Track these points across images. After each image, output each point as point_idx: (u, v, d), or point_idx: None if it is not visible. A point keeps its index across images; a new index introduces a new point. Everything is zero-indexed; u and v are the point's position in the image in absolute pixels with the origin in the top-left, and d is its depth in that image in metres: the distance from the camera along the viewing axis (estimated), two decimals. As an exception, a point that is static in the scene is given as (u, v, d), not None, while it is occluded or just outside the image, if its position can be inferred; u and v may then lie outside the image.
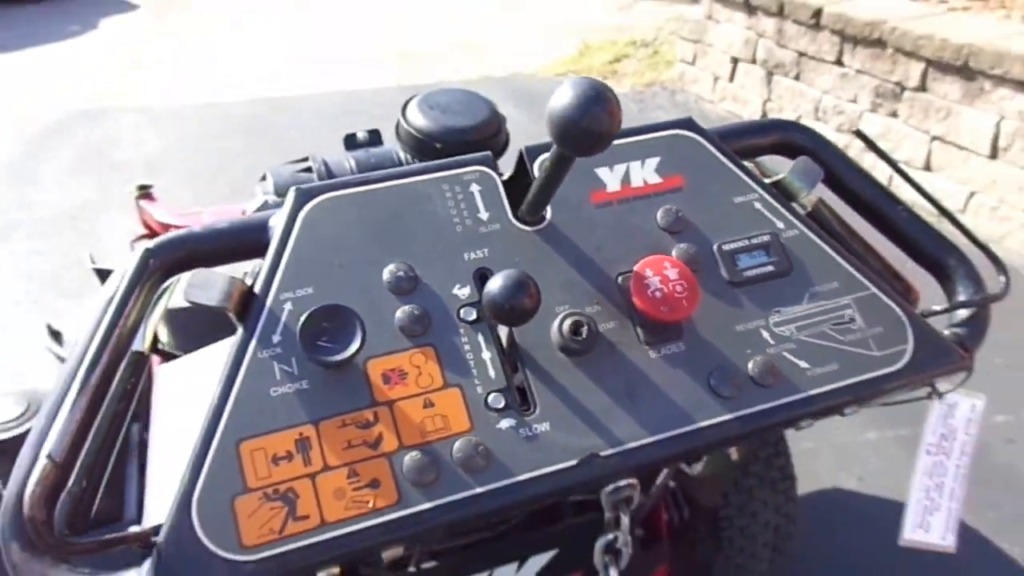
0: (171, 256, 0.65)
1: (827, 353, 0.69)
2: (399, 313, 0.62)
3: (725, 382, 0.65)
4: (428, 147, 1.05)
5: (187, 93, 5.58)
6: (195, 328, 1.44)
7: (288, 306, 0.61)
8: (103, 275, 1.54)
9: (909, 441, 2.22)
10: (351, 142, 1.24)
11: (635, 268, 0.67)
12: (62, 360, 1.33)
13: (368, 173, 0.69)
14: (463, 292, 0.65)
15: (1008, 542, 1.91)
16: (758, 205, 0.74)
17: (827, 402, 0.68)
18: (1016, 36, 3.06)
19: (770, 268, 0.71)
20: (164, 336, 1.47)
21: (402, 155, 1.17)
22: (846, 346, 0.70)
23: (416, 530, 0.57)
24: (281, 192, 1.13)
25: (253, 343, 0.59)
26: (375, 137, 1.24)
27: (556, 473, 0.60)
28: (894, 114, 3.47)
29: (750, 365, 0.67)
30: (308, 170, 1.23)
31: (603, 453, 0.61)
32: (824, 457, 2.14)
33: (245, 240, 0.67)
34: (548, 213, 0.69)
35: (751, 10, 4.17)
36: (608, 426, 0.62)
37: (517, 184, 0.70)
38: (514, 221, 0.69)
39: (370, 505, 0.56)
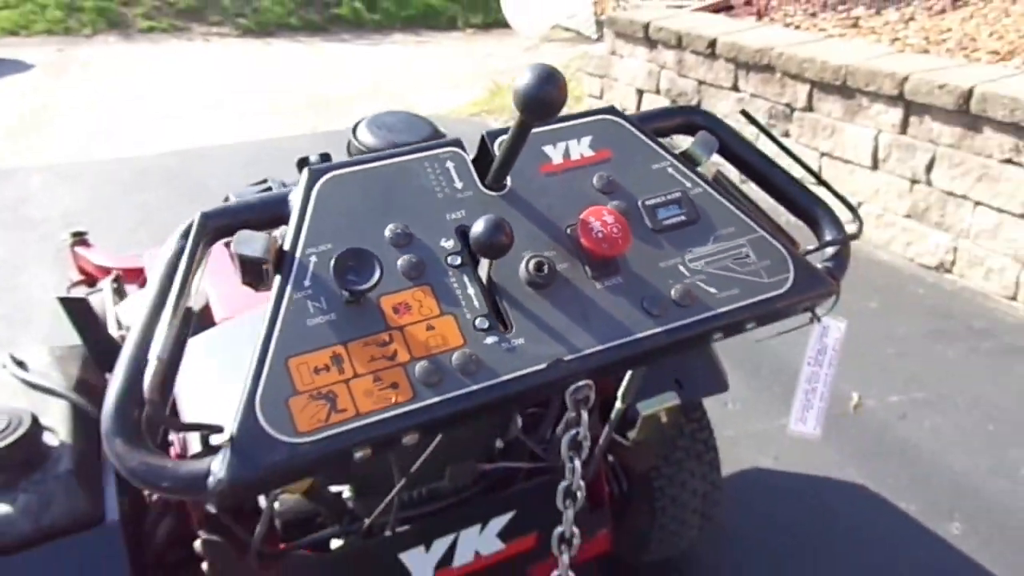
0: (218, 222, 0.81)
1: (729, 281, 0.86)
2: (400, 261, 0.78)
3: (655, 304, 0.82)
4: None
5: (94, 150, 5.54)
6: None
7: (313, 258, 0.77)
8: (69, 304, 1.65)
9: (817, 423, 2.42)
10: (304, 164, 1.38)
11: (580, 216, 0.83)
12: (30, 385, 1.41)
13: (364, 155, 0.85)
14: (448, 244, 0.81)
15: (905, 502, 2.12)
16: (670, 170, 0.93)
17: (732, 319, 0.85)
18: (885, 56, 3.40)
19: (682, 218, 0.89)
20: None
21: None
22: (743, 275, 0.87)
23: (427, 419, 0.72)
24: None
25: (289, 287, 0.75)
26: (327, 158, 1.38)
27: (531, 374, 0.76)
28: (787, 134, 3.78)
29: (672, 292, 0.83)
30: (268, 190, 1.37)
31: (566, 358, 0.78)
32: (744, 443, 2.32)
33: (271, 211, 0.83)
34: (508, 182, 0.85)
35: (652, 44, 4.46)
36: (568, 338, 0.78)
37: (480, 162, 0.87)
38: (483, 188, 0.85)
39: (392, 400, 0.72)
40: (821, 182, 1.03)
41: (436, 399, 0.73)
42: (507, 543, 1.40)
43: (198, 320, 1.25)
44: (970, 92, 2.89)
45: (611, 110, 0.96)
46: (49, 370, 1.46)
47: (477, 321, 0.78)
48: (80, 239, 2.53)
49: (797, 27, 4.16)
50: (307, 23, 10.33)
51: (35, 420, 1.30)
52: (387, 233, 0.80)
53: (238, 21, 9.80)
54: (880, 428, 2.40)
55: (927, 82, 3.03)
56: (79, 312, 1.66)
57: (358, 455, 0.71)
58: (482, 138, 0.89)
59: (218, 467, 0.67)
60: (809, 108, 3.62)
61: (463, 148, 0.89)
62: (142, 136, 5.76)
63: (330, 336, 0.73)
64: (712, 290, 0.86)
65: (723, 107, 4.11)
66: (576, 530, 0.87)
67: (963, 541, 2.00)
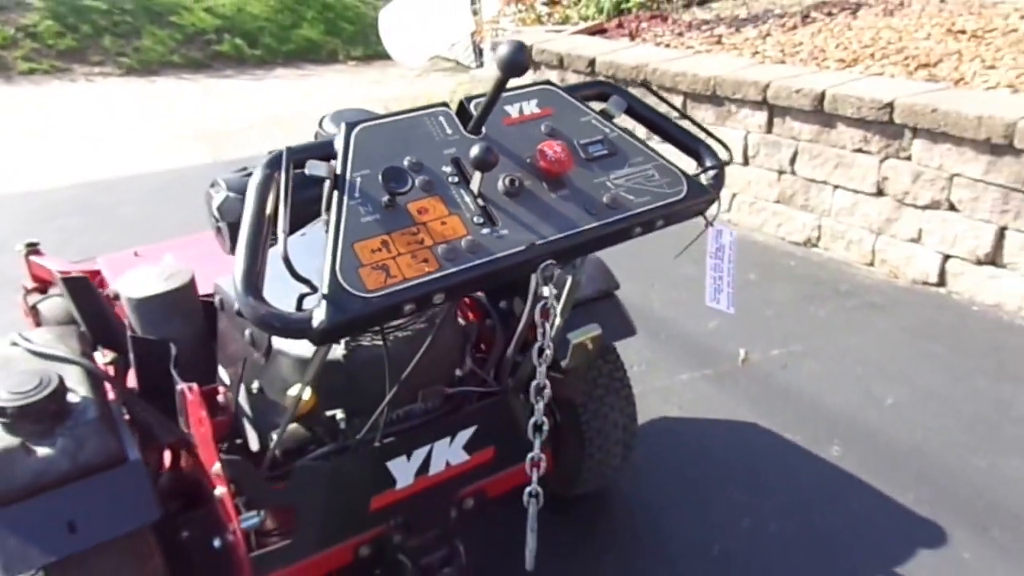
0: (294, 156, 1.08)
1: (643, 191, 1.19)
2: (417, 180, 1.10)
3: (592, 207, 1.15)
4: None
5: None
6: (155, 315, 1.73)
7: (358, 179, 1.07)
8: (71, 283, 1.82)
9: (711, 379, 2.74)
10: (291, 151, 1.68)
11: (537, 147, 1.16)
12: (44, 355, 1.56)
13: (381, 113, 1.15)
14: (447, 169, 1.14)
15: (791, 434, 2.45)
16: (594, 121, 1.27)
17: (646, 217, 1.18)
18: (749, 68, 3.84)
19: (606, 152, 1.23)
20: (134, 324, 1.73)
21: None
22: (652, 188, 1.20)
23: (449, 283, 1.03)
24: (235, 189, 1.48)
25: (346, 197, 1.05)
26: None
27: (514, 254, 1.07)
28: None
29: (604, 199, 1.16)
30: (249, 174, 1.58)
31: (537, 242, 1.09)
32: (651, 397, 2.60)
33: (324, 151, 1.11)
34: (483, 130, 1.17)
35: (536, 65, 4.80)
36: (537, 230, 1.10)
37: (461, 117, 1.18)
38: (466, 133, 1.17)
39: (426, 270, 1.02)
40: (701, 128, 1.38)
41: (454, 269, 1.04)
42: (471, 455, 1.62)
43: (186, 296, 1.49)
44: (823, 94, 3.34)
45: (548, 82, 1.31)
46: (55, 344, 1.61)
47: (474, 219, 1.09)
48: (34, 249, 2.63)
49: (667, 45, 4.59)
50: (190, 61, 10.27)
51: (61, 378, 1.45)
52: (405, 163, 1.10)
53: (120, 60, 9.66)
54: (765, 377, 2.74)
55: (786, 88, 3.47)
56: (79, 291, 1.79)
57: (407, 308, 1.00)
58: (460, 102, 1.21)
59: (319, 314, 0.95)
60: (683, 115, 4.01)
61: (449, 107, 1.20)
62: (44, 171, 5.67)
63: (378, 228, 1.03)
64: (631, 197, 1.19)
65: (608, 119, 4.48)
66: (544, 455, 1.21)
67: (842, 460, 2.34)
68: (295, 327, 0.96)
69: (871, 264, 3.44)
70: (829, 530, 2.09)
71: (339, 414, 1.48)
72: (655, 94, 1.43)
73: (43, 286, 2.66)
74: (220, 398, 1.54)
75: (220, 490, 1.45)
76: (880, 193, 3.32)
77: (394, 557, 1.66)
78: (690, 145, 1.36)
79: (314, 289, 0.97)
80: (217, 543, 1.63)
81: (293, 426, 1.48)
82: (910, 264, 3.30)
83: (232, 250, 1.67)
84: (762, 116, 3.65)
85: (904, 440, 2.40)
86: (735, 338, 2.92)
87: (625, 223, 1.16)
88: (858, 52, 3.89)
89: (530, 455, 1.28)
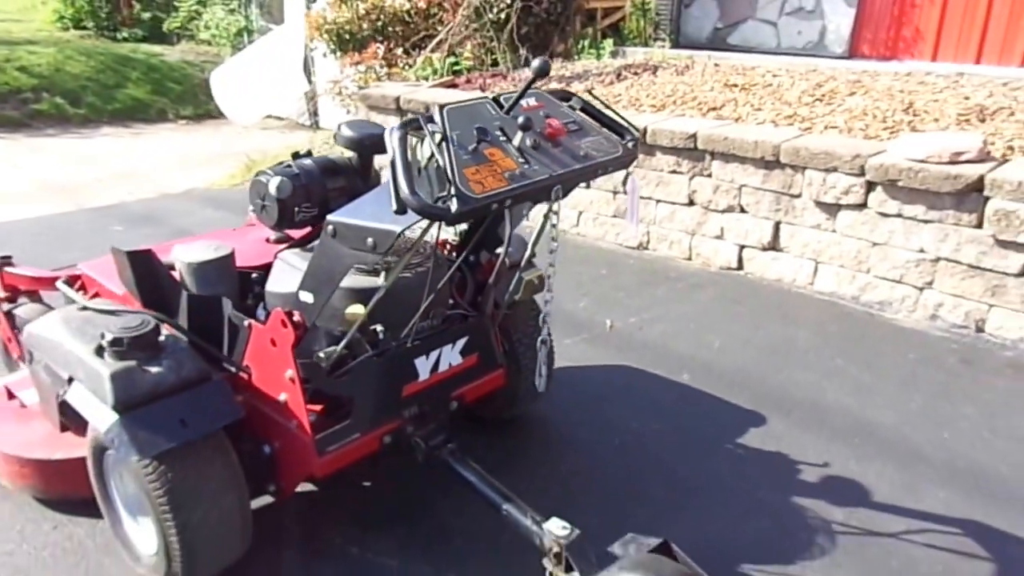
0: (413, 124, 1.65)
1: (599, 151, 1.91)
2: (488, 138, 1.70)
3: (576, 158, 1.84)
4: (359, 144, 2.14)
5: None
6: (209, 276, 2.22)
7: (455, 135, 1.67)
8: (133, 256, 2.28)
9: (588, 341, 3.51)
10: (298, 156, 2.24)
11: (546, 122, 1.82)
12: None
13: (455, 102, 1.76)
14: (498, 133, 1.74)
15: (652, 369, 3.26)
16: (566, 110, 1.97)
17: (603, 165, 1.90)
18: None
19: (577, 128, 1.93)
20: (190, 284, 2.20)
21: (344, 153, 2.23)
22: (604, 149, 1.91)
23: (513, 194, 1.63)
24: (283, 175, 2.16)
25: (453, 145, 1.62)
26: (303, 155, 2.27)
27: (541, 180, 1.72)
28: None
29: (581, 153, 1.85)
30: (289, 167, 2.18)
31: (552, 175, 1.75)
32: (547, 355, 3.33)
33: (426, 120, 1.66)
34: (514, 112, 1.81)
35: (403, 112, 5.50)
36: (550, 168, 1.76)
37: (497, 106, 1.83)
38: (503, 115, 1.80)
39: (503, 185, 1.63)
40: (620, 117, 2.11)
41: (515, 186, 1.67)
42: (464, 359, 2.26)
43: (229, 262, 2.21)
44: (646, 129, 4.29)
45: (537, 90, 1.94)
46: (113, 306, 2.11)
47: (518, 160, 1.73)
48: (7, 261, 2.91)
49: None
50: (6, 119, 9.99)
51: (156, 320, 1.94)
52: (475, 129, 1.72)
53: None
54: (627, 337, 3.55)
55: (614, 122, 4.39)
56: (139, 262, 2.23)
57: (494, 207, 1.63)
58: (494, 97, 1.86)
59: (452, 205, 1.56)
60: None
61: (490, 99, 1.85)
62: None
63: (472, 162, 1.64)
64: (595, 153, 1.90)
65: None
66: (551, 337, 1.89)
67: (692, 383, 3.17)
68: (439, 212, 1.57)
69: (689, 258, 4.40)
70: (690, 426, 2.89)
71: (379, 327, 2.08)
72: (596, 99, 2.14)
73: (13, 295, 2.95)
74: (296, 317, 2.04)
75: (290, 373, 1.99)
76: (691, 203, 4.30)
77: (409, 442, 2.25)
78: (616, 127, 2.07)
79: (450, 195, 1.58)
80: (267, 449, 2.14)
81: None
82: (716, 255, 4.29)
83: (278, 222, 2.23)
84: (598, 148, 4.55)
85: (730, 367, 3.28)
86: (601, 313, 3.73)
87: (592, 168, 1.88)
88: (664, 100, 4.93)
89: (544, 306, 1.99)
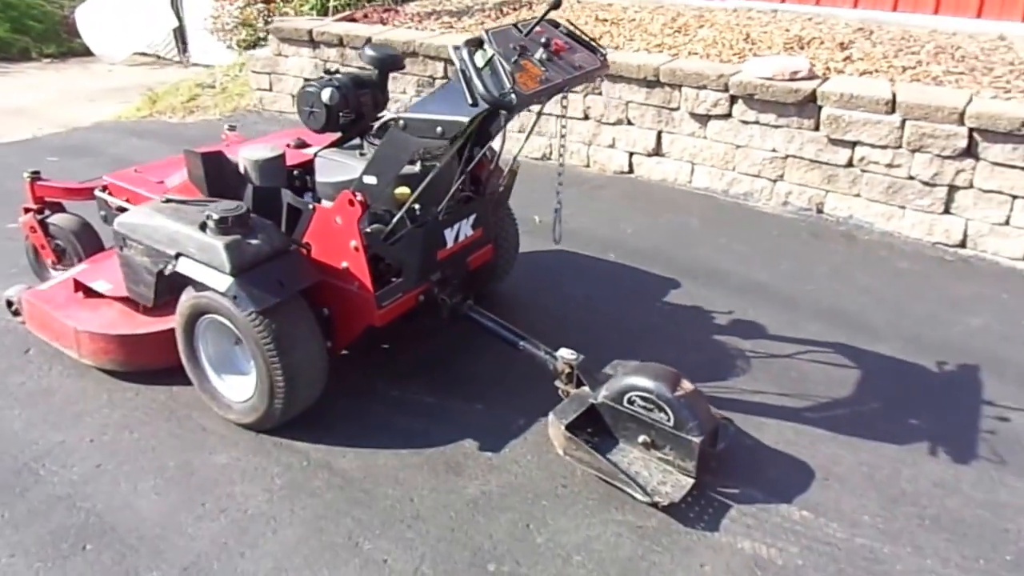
0: (472, 42, 2.03)
1: (587, 62, 2.33)
2: (522, 52, 2.09)
3: (575, 67, 2.28)
4: (381, 62, 2.58)
5: None
6: (270, 170, 2.47)
7: (500, 51, 2.05)
8: (206, 156, 2.57)
9: (525, 234, 3.97)
10: (329, 72, 2.52)
11: (553, 40, 2.24)
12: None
13: (500, 26, 2.11)
14: (526, 49, 2.12)
15: (584, 251, 3.79)
16: (560, 33, 2.37)
17: (591, 73, 2.34)
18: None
19: (569, 46, 2.33)
20: (254, 178, 2.45)
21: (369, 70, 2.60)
22: (589, 60, 2.35)
23: (545, 91, 2.08)
24: (337, 86, 2.45)
25: (502, 59, 2.01)
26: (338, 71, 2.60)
27: (558, 82, 2.16)
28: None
29: (576, 64, 2.28)
30: (330, 80, 2.47)
31: (566, 78, 2.20)
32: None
33: (479, 42, 2.05)
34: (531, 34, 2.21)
35: (315, 45, 5.59)
36: (564, 74, 2.20)
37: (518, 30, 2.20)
38: (525, 36, 2.19)
39: (537, 86, 2.07)
40: (590, 39, 2.53)
41: (546, 86, 2.08)
42: (473, 231, 2.68)
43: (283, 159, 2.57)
44: (547, 54, 4.71)
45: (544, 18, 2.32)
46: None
47: (541, 68, 2.12)
48: (37, 176, 2.99)
49: (420, 29, 5.67)
50: None
51: (247, 205, 2.22)
52: (511, 47, 2.08)
53: None
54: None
55: (523, 51, 4.78)
56: (211, 162, 2.45)
57: (535, 101, 2.04)
58: (515, 24, 2.21)
59: (512, 98, 1.95)
60: (446, 77, 5.17)
61: (518, 25, 2.20)
62: None
63: (516, 70, 2.00)
64: (585, 64, 2.32)
65: (382, 84, 5.45)
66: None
67: (618, 259, 3.74)
68: (507, 104, 1.96)
69: (588, 165, 4.95)
70: (626, 290, 3.48)
71: (417, 206, 2.45)
72: (573, 25, 2.54)
73: (42, 205, 3.05)
74: (359, 196, 2.35)
75: (354, 243, 2.33)
76: (586, 118, 4.82)
77: (436, 300, 2.65)
78: (590, 46, 2.48)
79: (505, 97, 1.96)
80: (325, 312, 2.47)
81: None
82: (611, 161, 4.85)
83: (324, 125, 2.50)
84: (506, 74, 4.94)
85: (643, 246, 3.89)
86: (528, 211, 4.18)
87: (585, 74, 2.29)
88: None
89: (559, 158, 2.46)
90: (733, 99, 4.25)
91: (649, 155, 4.69)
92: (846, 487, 2.40)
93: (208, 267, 2.21)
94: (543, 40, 2.23)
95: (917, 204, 3.98)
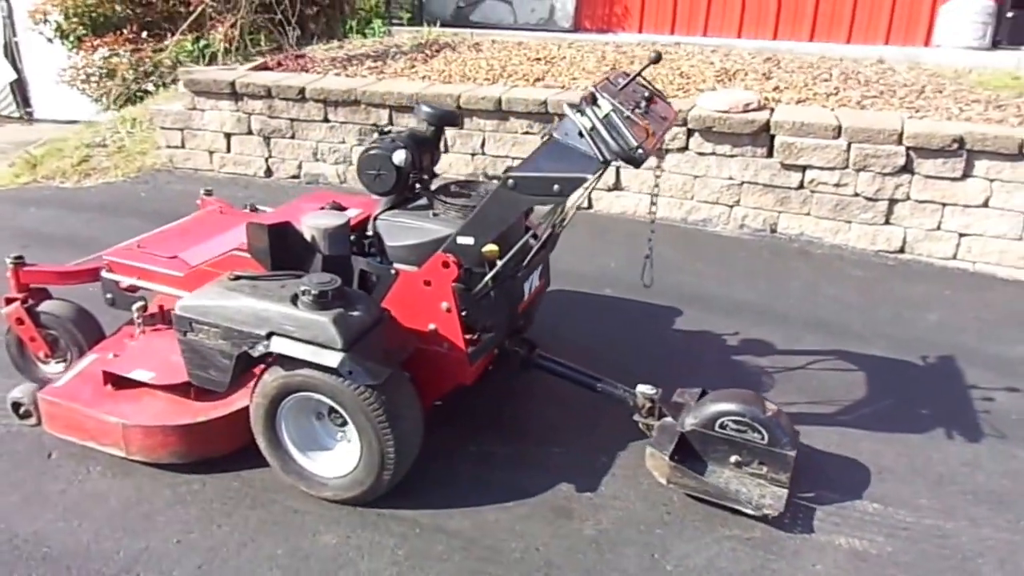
0: (581, 104, 2.19)
1: (667, 113, 2.54)
2: (633, 110, 2.25)
3: (663, 117, 2.47)
4: (439, 119, 2.72)
5: None
6: (339, 237, 2.51)
7: (616, 105, 2.20)
8: (274, 230, 2.56)
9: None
10: (383, 132, 2.61)
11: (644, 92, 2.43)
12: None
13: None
14: (630, 102, 2.29)
15: (585, 297, 4.02)
16: (642, 84, 2.56)
17: (672, 124, 2.58)
18: (436, 85, 5.27)
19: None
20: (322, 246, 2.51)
21: (424, 127, 2.72)
22: (668, 111, 2.57)
23: (656, 144, 2.26)
24: (404, 146, 2.54)
25: (619, 118, 2.18)
26: (384, 132, 2.74)
27: (663, 133, 2.38)
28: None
29: (662, 115, 2.48)
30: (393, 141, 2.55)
31: (663, 129, 2.40)
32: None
33: (593, 100, 2.22)
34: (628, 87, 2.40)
35: (238, 97, 5.50)
36: (661, 125, 2.40)
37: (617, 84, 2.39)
38: (620, 91, 2.36)
39: (652, 138, 2.26)
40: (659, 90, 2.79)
41: (656, 138, 2.26)
42: (539, 281, 2.83)
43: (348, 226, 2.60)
44: (500, 99, 4.93)
45: (620, 72, 2.53)
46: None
47: (646, 121, 2.28)
48: (21, 261, 2.81)
49: (350, 76, 5.73)
50: None
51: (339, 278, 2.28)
52: (619, 101, 2.24)
53: None
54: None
55: (474, 96, 4.99)
56: (277, 234, 2.45)
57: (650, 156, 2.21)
58: (607, 78, 2.39)
59: (641, 152, 2.14)
60: (391, 123, 5.26)
61: (610, 80, 2.37)
62: None
63: (629, 121, 2.16)
64: (666, 115, 2.50)
65: (316, 135, 5.46)
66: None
67: (615, 294, 3.99)
68: (638, 159, 2.13)
69: (545, 203, 5.17)
70: (637, 320, 3.72)
71: (500, 263, 2.58)
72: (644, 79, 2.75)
73: (27, 294, 2.88)
74: (451, 258, 2.43)
75: (446, 304, 2.43)
76: (544, 158, 5.07)
77: (508, 352, 2.77)
78: (661, 94, 2.62)
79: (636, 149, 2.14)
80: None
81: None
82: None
83: (391, 188, 2.58)
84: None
85: (630, 278, 4.10)
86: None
87: (670, 124, 2.47)
88: (492, 74, 5.60)
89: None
90: (690, 132, 4.66)
91: (609, 190, 5.01)
92: (896, 477, 2.75)
93: (312, 344, 2.22)
94: (637, 93, 2.37)
95: (862, 218, 4.53)
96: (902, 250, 4.55)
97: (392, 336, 2.38)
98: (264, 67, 6.05)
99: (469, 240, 2.43)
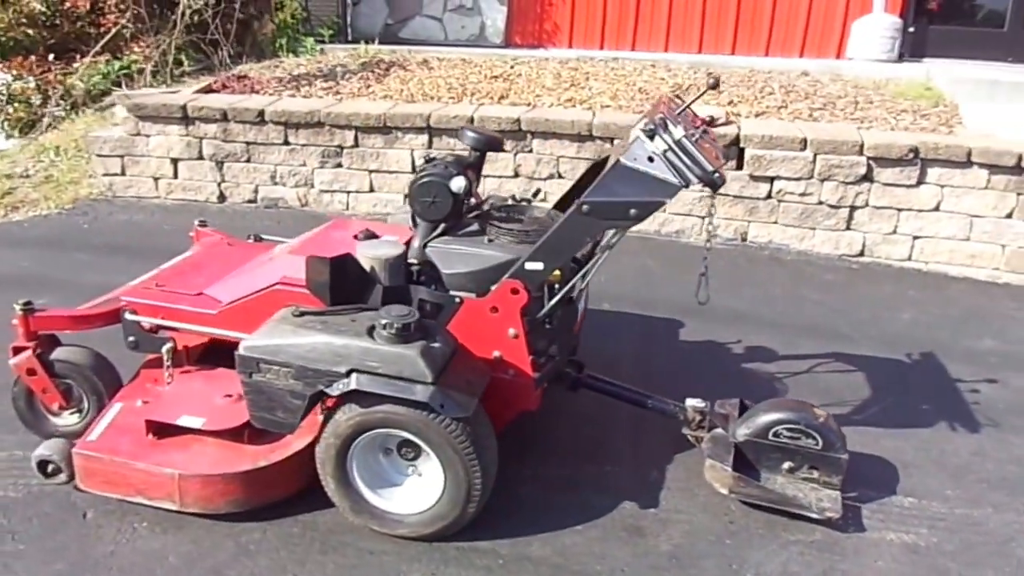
0: (655, 126, 2.24)
1: (717, 139, 2.67)
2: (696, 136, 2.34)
3: (717, 143, 2.57)
4: (486, 144, 2.74)
5: None
6: (396, 266, 2.49)
7: (686, 133, 2.28)
8: (336, 262, 2.50)
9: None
10: (431, 159, 2.62)
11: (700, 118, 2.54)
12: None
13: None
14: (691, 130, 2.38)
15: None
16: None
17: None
18: (404, 105, 5.24)
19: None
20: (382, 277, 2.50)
21: (468, 153, 2.74)
22: (714, 135, 2.69)
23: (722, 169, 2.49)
24: (459, 172, 2.53)
25: (691, 144, 2.26)
26: (431, 159, 2.72)
27: (723, 160, 2.50)
28: (339, 165, 5.26)
29: (716, 141, 2.58)
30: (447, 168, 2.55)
31: (722, 155, 2.48)
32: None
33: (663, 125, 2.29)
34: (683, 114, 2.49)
35: (189, 121, 5.28)
36: (719, 150, 2.48)
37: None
38: (676, 117, 2.45)
39: (720, 162, 2.40)
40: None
41: (721, 163, 2.35)
42: (585, 302, 2.89)
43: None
44: (473, 117, 4.96)
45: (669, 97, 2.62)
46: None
47: (708, 145, 2.39)
48: (30, 307, 2.63)
49: (307, 97, 5.60)
50: None
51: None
52: (685, 126, 2.34)
53: None
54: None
55: (445, 116, 5.00)
56: (338, 267, 2.39)
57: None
58: (662, 102, 2.48)
59: (718, 176, 2.24)
60: (356, 145, 5.19)
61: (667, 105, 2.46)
62: None
63: (699, 145, 2.26)
64: (715, 138, 2.62)
65: (275, 158, 5.32)
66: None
67: (613, 308, 4.08)
68: (716, 180, 2.22)
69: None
70: (643, 332, 3.83)
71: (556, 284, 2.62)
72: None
73: (38, 343, 2.70)
74: (520, 284, 2.44)
75: (513, 331, 2.46)
76: (516, 175, 5.13)
77: (561, 373, 2.81)
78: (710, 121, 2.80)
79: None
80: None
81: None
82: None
83: (448, 215, 2.57)
84: (424, 138, 5.10)
85: (622, 292, 4.27)
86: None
87: (724, 152, 2.62)
88: (454, 93, 5.61)
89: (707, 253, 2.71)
90: (663, 147, 4.83)
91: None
92: (920, 471, 2.96)
93: (398, 379, 2.20)
94: (695, 118, 2.47)
95: (825, 224, 4.83)
96: (862, 253, 4.87)
97: (469, 366, 2.38)
98: (209, 89, 5.84)
99: (538, 265, 2.46)
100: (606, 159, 2.95)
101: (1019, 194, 4.60)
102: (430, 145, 5.14)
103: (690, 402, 2.79)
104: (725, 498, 2.69)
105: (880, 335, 3.98)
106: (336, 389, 2.24)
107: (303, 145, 5.27)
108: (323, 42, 7.63)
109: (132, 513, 2.51)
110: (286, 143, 5.28)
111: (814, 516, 2.58)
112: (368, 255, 2.51)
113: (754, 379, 3.52)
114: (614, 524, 2.59)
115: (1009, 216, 4.65)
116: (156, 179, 5.53)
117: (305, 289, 2.52)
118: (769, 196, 4.83)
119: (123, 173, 5.57)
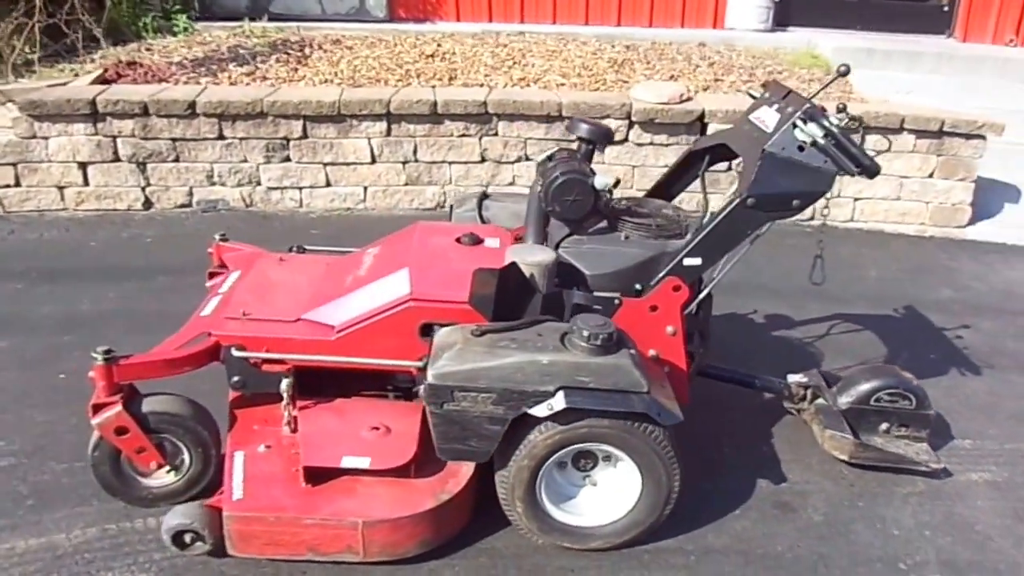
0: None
1: None
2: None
3: None
4: (599, 136, 2.79)
5: None
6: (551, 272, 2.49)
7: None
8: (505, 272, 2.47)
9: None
10: (551, 157, 2.64)
11: None
12: None
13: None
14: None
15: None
16: None
17: None
18: (364, 89, 5.02)
19: None
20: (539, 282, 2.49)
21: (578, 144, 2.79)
22: None
23: None
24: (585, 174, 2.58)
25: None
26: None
27: None
28: (287, 159, 4.95)
29: None
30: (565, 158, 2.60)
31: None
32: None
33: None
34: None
35: (99, 118, 4.72)
36: None
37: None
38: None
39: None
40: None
41: None
42: None
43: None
44: (435, 102, 4.86)
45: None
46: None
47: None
48: (111, 355, 2.33)
49: (235, 85, 5.18)
50: None
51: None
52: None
53: None
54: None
55: (407, 100, 4.85)
56: (505, 278, 2.38)
57: None
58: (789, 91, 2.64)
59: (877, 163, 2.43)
60: (305, 136, 4.91)
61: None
62: None
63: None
64: None
65: (209, 155, 4.91)
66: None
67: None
68: (877, 169, 2.41)
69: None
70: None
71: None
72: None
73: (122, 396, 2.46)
74: (680, 281, 2.50)
75: (671, 329, 2.56)
76: (483, 160, 5.10)
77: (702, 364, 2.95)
78: None
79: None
80: None
81: None
82: (509, 200, 5.21)
83: (587, 213, 2.58)
84: (383, 124, 4.92)
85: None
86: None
87: None
88: (400, 75, 5.43)
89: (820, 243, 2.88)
90: (631, 124, 5.01)
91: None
92: (960, 415, 3.41)
93: (611, 392, 2.22)
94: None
95: (780, 191, 5.26)
96: (812, 217, 5.36)
97: (652, 369, 2.44)
98: (103, 80, 5.23)
99: (697, 261, 2.55)
100: (700, 149, 3.08)
101: (938, 155, 5.29)
102: (389, 133, 4.97)
103: (792, 378, 3.04)
104: (834, 463, 2.97)
105: (864, 293, 4.46)
106: (543, 410, 2.22)
107: (242, 139, 4.89)
108: (192, 20, 7.02)
109: (298, 572, 2.34)
110: (221, 137, 4.88)
111: (923, 469, 2.92)
112: (527, 262, 2.48)
113: (783, 346, 3.84)
114: (763, 503, 2.77)
115: (931, 176, 5.33)
116: (61, 188, 4.90)
117: (443, 304, 2.45)
118: (729, 168, 5.16)
119: (17, 184, 4.88)
